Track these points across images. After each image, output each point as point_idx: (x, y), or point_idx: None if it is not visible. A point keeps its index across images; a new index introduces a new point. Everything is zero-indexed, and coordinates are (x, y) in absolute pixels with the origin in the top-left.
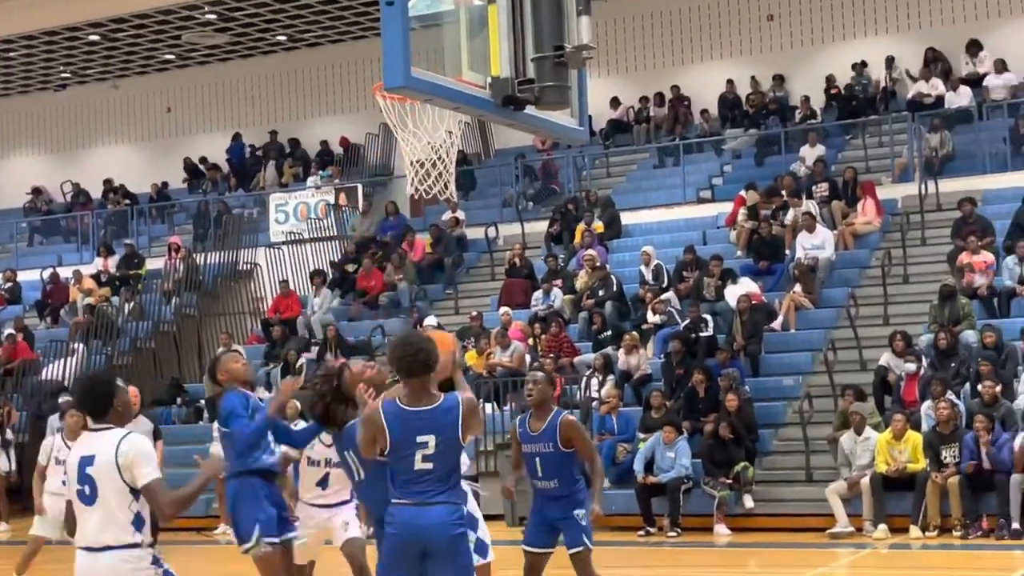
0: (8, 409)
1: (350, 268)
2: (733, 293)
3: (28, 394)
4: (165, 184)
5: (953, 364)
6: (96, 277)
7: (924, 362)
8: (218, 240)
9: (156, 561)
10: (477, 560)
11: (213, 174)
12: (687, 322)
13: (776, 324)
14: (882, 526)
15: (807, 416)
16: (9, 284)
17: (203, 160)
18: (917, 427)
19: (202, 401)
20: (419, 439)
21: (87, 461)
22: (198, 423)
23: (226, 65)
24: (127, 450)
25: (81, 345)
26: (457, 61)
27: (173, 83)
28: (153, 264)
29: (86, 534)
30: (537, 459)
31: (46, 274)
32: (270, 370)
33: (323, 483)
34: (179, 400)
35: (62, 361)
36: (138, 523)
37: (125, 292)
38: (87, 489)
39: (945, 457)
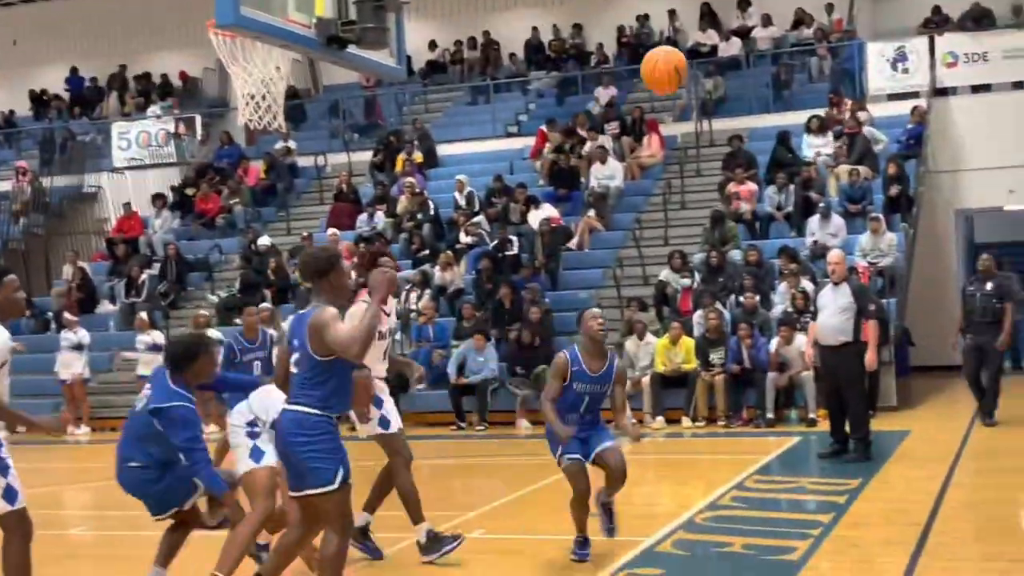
0: None
1: (189, 192)
2: (536, 217)
3: None
4: (12, 112)
5: (721, 279)
6: None
7: (697, 277)
8: (64, 165)
9: None
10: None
11: (58, 103)
12: (495, 242)
13: (573, 244)
14: (660, 418)
15: None
16: None
17: (43, 92)
18: (690, 333)
19: (49, 313)
20: (295, 342)
21: None
22: (45, 333)
23: (68, 2)
24: None
25: None
26: (284, 2)
27: (18, 17)
28: (1, 187)
29: None
30: (587, 397)
31: None
32: (114, 284)
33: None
34: (28, 312)
35: None
36: None
37: None
38: None
39: (713, 359)
